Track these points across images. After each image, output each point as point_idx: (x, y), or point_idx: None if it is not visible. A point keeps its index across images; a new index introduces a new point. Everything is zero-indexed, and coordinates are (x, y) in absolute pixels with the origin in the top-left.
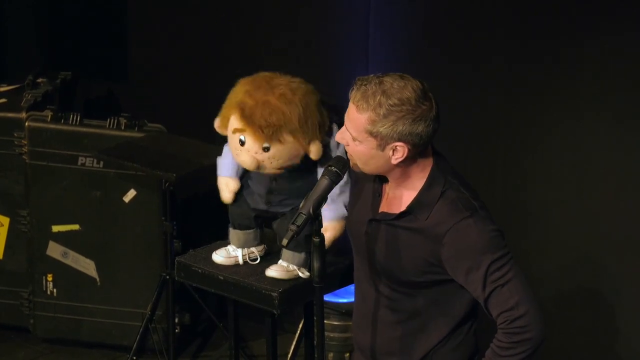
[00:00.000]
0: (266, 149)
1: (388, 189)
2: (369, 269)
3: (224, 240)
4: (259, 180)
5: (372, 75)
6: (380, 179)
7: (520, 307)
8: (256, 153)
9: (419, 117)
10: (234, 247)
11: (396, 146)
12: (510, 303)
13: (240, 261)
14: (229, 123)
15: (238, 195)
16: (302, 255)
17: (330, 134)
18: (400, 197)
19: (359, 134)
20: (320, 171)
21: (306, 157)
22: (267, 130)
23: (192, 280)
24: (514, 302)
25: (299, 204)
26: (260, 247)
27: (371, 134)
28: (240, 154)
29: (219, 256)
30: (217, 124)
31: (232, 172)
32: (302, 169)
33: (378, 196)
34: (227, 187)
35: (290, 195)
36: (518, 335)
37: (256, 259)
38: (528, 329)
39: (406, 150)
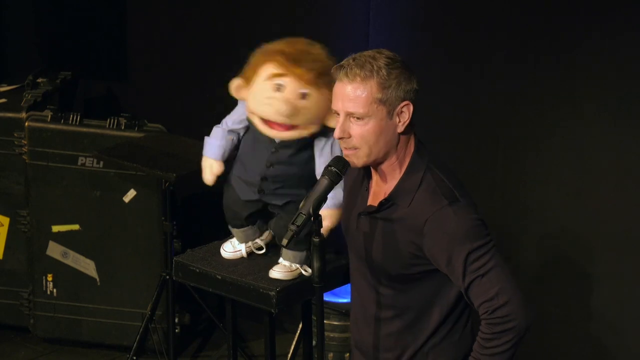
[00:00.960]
0: (304, 96)
1: (375, 183)
2: (364, 266)
3: (221, 241)
4: (254, 166)
5: (346, 58)
6: (369, 176)
7: (500, 297)
8: (294, 97)
9: (410, 72)
10: (238, 242)
11: (402, 108)
12: (491, 293)
13: (244, 254)
14: (260, 74)
15: (226, 194)
16: (304, 253)
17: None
18: (386, 190)
19: (368, 108)
20: (318, 153)
21: (307, 143)
22: (312, 74)
23: (189, 280)
24: (494, 292)
25: (292, 195)
26: (264, 235)
27: (381, 101)
28: (274, 101)
29: (226, 251)
30: (236, 83)
31: (219, 154)
32: (300, 155)
33: (366, 191)
34: (210, 169)
35: (285, 184)
36: (500, 325)
37: (262, 249)
38: (510, 319)
39: (411, 108)
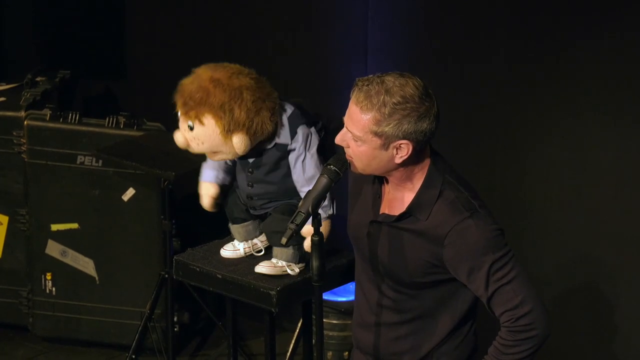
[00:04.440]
0: (190, 128)
1: (388, 189)
2: (372, 270)
3: (221, 240)
4: (241, 185)
5: (372, 76)
6: (380, 180)
7: (524, 305)
8: (184, 130)
9: (424, 115)
10: (238, 241)
11: (400, 144)
12: (515, 301)
13: (243, 253)
14: None
15: (230, 190)
16: (290, 250)
17: (293, 136)
18: (401, 198)
19: (363, 134)
20: (292, 169)
21: (278, 160)
22: (188, 106)
23: (190, 279)
24: (518, 301)
25: (281, 203)
26: (264, 237)
27: (376, 134)
28: (176, 133)
29: (227, 251)
30: None
31: (212, 177)
32: (275, 173)
33: (378, 197)
34: (207, 192)
35: (271, 199)
36: (523, 333)
37: (261, 251)
38: (533, 327)
39: (410, 147)
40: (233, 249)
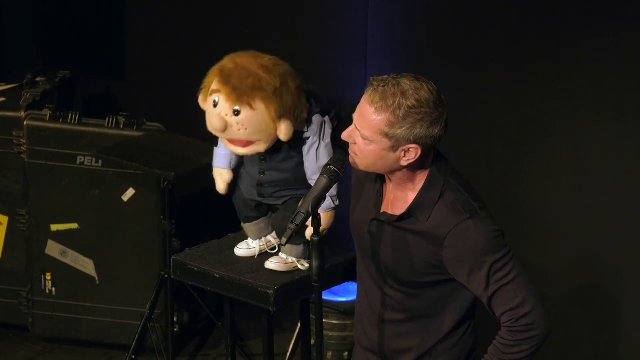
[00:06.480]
0: (236, 112)
1: (389, 189)
2: (373, 268)
3: (219, 239)
4: (250, 173)
5: (387, 76)
6: (382, 178)
7: (525, 305)
8: (226, 115)
9: (436, 120)
10: (252, 239)
11: (409, 148)
12: (515, 302)
13: (257, 252)
14: (209, 88)
15: (235, 187)
16: (301, 247)
17: (308, 125)
18: (402, 198)
19: (373, 134)
20: (305, 158)
21: (293, 148)
22: (240, 91)
23: (188, 279)
24: (519, 301)
25: (292, 195)
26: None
27: (387, 135)
28: (212, 117)
29: (241, 250)
30: (200, 98)
31: (226, 163)
32: (289, 161)
33: (380, 196)
34: (221, 177)
35: (282, 187)
36: (524, 333)
37: (275, 248)
38: (534, 327)
39: (418, 152)
40: (247, 248)
